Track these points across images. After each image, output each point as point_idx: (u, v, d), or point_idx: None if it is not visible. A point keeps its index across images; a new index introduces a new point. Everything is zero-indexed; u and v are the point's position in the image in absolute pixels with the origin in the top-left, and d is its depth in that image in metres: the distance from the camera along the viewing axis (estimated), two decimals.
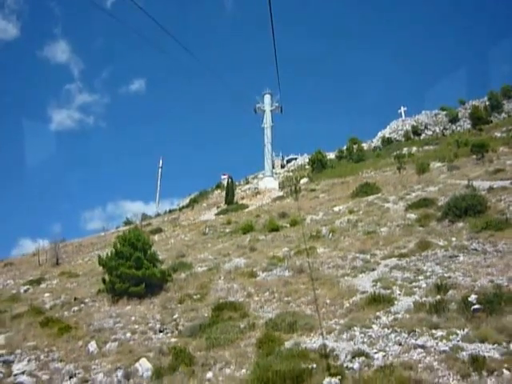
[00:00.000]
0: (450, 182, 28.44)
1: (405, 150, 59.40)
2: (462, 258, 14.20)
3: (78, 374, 11.12)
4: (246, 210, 38.21)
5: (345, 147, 70.47)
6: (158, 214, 67.05)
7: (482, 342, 8.90)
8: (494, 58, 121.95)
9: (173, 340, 12.14)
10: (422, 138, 72.09)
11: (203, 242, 26.86)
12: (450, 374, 8.00)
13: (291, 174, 69.05)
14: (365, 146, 75.54)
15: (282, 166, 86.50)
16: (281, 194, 45.17)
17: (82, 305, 16.95)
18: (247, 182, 75.71)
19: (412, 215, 21.04)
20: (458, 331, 9.49)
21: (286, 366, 8.88)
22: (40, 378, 11.28)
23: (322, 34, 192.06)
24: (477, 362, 8.09)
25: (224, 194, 55.58)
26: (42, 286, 23.44)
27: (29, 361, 12.24)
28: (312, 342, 10.24)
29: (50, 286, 23.08)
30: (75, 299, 17.84)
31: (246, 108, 69.45)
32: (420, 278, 13.16)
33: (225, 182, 72.76)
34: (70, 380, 10.89)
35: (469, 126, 69.85)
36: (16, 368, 11.98)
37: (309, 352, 9.55)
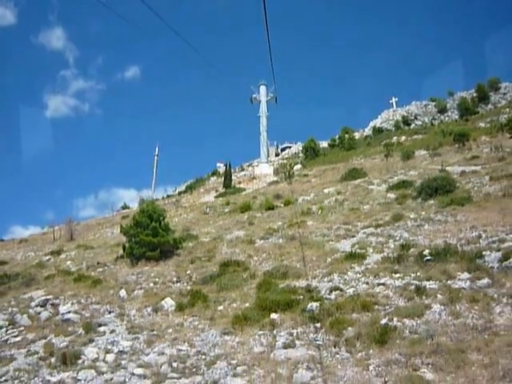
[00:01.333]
0: (430, 167, 31.30)
1: (394, 139, 62.17)
2: (426, 227, 17.11)
3: (115, 311, 13.98)
4: (243, 193, 41.03)
5: (337, 136, 73.19)
6: (156, 199, 69.78)
7: (428, 280, 11.82)
8: (488, 48, 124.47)
9: (188, 287, 15.03)
10: (411, 127, 75.00)
11: (205, 220, 29.63)
12: (399, 299, 10.93)
13: (285, 161, 71.91)
14: (357, 135, 78.49)
15: (277, 155, 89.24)
16: (275, 179, 48.01)
17: (105, 267, 19.78)
18: (242, 170, 78.44)
19: (392, 195, 23.94)
20: (412, 274, 12.42)
21: (280, 297, 11.77)
22: (83, 315, 14.13)
23: (315, 24, 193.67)
24: (419, 290, 11.02)
25: (220, 180, 58.43)
26: (62, 256, 26.14)
27: (72, 304, 15.08)
28: (300, 283, 13.15)
29: (70, 255, 25.78)
30: (98, 263, 20.65)
31: (242, 97, 72.04)
32: (390, 241, 16.08)
33: (221, 170, 75.54)
34: (109, 314, 13.76)
35: (456, 117, 72.86)
36: (62, 309, 14.82)
37: (297, 289, 12.47)
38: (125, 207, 65.53)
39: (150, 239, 19.02)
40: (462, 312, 9.83)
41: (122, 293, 15.40)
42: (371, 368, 8.43)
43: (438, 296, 10.72)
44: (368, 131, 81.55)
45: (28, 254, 29.14)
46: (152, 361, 10.46)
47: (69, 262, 23.25)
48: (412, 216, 18.95)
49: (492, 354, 8.00)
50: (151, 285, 15.95)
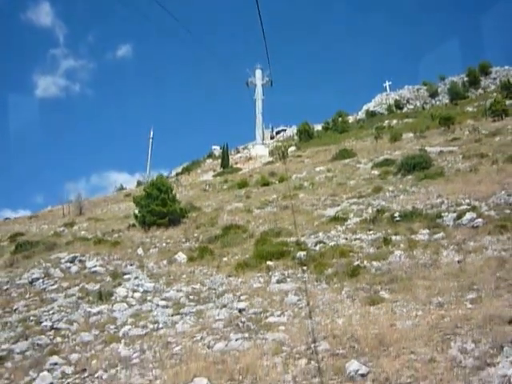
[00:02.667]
0: (414, 148, 33.86)
1: (386, 123, 64.63)
2: (401, 197, 19.75)
3: (135, 264, 16.61)
4: (240, 172, 43.58)
5: (331, 119, 75.50)
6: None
7: (395, 235, 14.49)
8: (485, 29, 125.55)
9: (196, 245, 17.67)
10: (403, 111, 77.34)
11: (205, 196, 32.20)
12: (370, 248, 13.61)
13: (280, 144, 74.27)
14: (351, 118, 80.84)
15: (272, 138, 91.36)
16: (271, 159, 50.52)
17: (120, 233, 22.37)
18: (238, 152, 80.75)
19: (375, 172, 26.56)
20: (383, 231, 15.08)
21: (274, 249, 14.43)
22: (108, 268, 16.74)
23: (310, 9, 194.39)
24: (386, 241, 13.69)
25: (216, 162, 60.87)
26: (75, 227, 28.63)
27: (96, 260, 17.68)
28: (291, 239, 15.81)
29: (82, 227, 28.29)
30: (112, 230, 23.23)
31: (237, 81, 74.05)
32: (369, 208, 18.71)
33: (216, 152, 77.60)
34: (130, 267, 16.38)
35: (447, 101, 75.17)
36: (88, 264, 17.43)
37: (289, 243, 15.14)
38: (121, 189, 67.99)
39: (159, 208, 21.58)
40: (416, 255, 12.51)
41: (140, 251, 18.03)
42: (343, 293, 11.10)
43: (401, 245, 13.40)
44: (361, 115, 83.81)
45: (41, 227, 31.55)
46: (172, 296, 13.13)
47: (83, 232, 25.77)
48: (390, 189, 21.57)
49: (432, 280, 10.68)
50: (164, 244, 18.58)
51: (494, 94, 61.08)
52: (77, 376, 9.95)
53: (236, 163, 54.10)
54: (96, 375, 9.81)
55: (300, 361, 8.49)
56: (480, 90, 75.06)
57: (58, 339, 11.92)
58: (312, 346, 8.81)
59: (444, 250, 12.62)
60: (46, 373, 10.02)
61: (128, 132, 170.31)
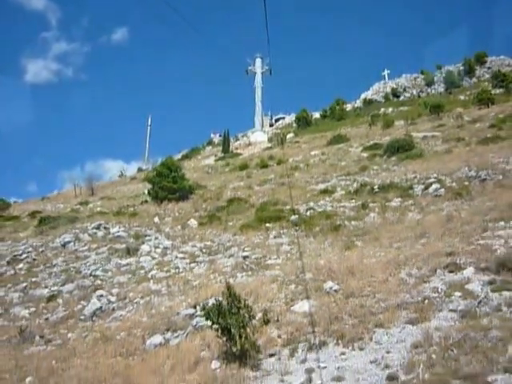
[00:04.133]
0: (403, 133, 36.65)
1: (381, 111, 67.21)
2: (383, 174, 22.59)
3: (153, 229, 19.51)
4: (240, 157, 46.31)
5: (328, 107, 78.04)
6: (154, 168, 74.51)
7: (372, 202, 17.37)
8: (492, 18, 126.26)
9: (205, 214, 20.58)
10: (400, 99, 79.86)
11: (209, 177, 35.05)
12: (351, 212, 16.51)
13: (279, 131, 76.87)
14: (349, 106, 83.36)
15: (271, 125, 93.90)
16: (269, 145, 53.27)
17: (135, 207, 25.24)
18: (237, 139, 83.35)
19: (364, 154, 29.37)
20: (363, 200, 17.95)
21: (272, 214, 17.33)
22: (130, 233, 19.62)
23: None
24: (364, 206, 16.59)
25: (216, 149, 63.50)
26: (90, 205, 31.40)
27: (119, 227, 20.55)
28: (286, 208, 18.71)
29: (97, 204, 31.06)
30: (128, 205, 26.10)
31: (236, 69, 76.40)
32: (354, 183, 21.56)
33: (215, 140, 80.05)
34: (149, 231, 19.28)
35: (442, 90, 77.63)
36: (112, 230, 20.31)
37: (284, 210, 18.02)
38: (121, 175, 70.19)
39: (170, 185, 24.45)
40: (387, 216, 15.42)
41: (156, 219, 20.94)
42: (326, 243, 14.05)
43: (376, 209, 16.31)
44: (359, 103, 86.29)
45: (57, 206, 34.26)
46: (188, 250, 16.07)
47: (99, 208, 28.58)
48: (375, 168, 24.41)
49: (396, 232, 13.58)
50: (176, 214, 21.50)
51: (486, 84, 63.65)
52: (119, 302, 12.91)
53: (236, 149, 56.80)
54: (134, 301, 12.77)
55: (290, 286, 11.42)
56: (474, 79, 77.40)
57: (98, 282, 14.89)
58: (300, 275, 11.70)
59: (409, 212, 15.52)
60: (95, 300, 12.99)
61: (123, 119, 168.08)
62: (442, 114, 44.83)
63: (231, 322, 8.63)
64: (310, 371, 8.02)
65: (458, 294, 9.40)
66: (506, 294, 9.05)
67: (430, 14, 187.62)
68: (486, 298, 9.12)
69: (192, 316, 10.98)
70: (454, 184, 17.57)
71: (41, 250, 19.69)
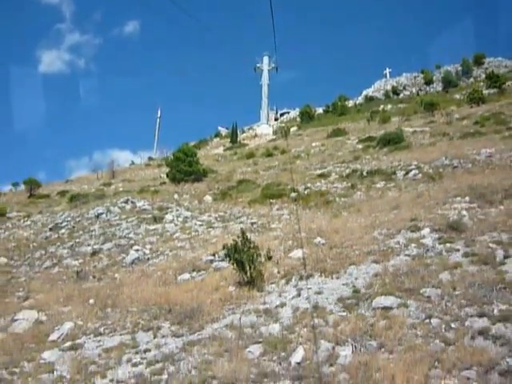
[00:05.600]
0: (395, 128, 39.83)
1: (381, 107, 70.30)
2: (373, 162, 25.81)
3: (174, 203, 22.83)
4: (247, 147, 49.67)
5: (331, 103, 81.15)
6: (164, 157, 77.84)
7: (360, 184, 20.65)
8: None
9: (218, 192, 23.91)
10: (400, 97, 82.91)
11: (219, 164, 38.38)
12: (341, 191, 19.80)
13: (283, 125, 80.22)
14: (351, 102, 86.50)
15: (276, 119, 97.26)
16: (274, 137, 56.61)
17: (155, 187, 28.58)
18: (243, 132, 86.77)
19: (359, 146, 32.61)
20: (353, 182, 21.23)
21: (275, 192, 20.63)
22: (153, 206, 22.94)
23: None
24: (353, 186, 19.88)
25: (223, 141, 66.85)
26: (112, 186, 34.78)
27: (143, 202, 23.88)
28: (287, 188, 22.02)
29: (119, 186, 34.44)
30: (148, 186, 29.43)
31: (243, 65, 79.55)
32: (347, 169, 24.82)
33: (223, 132, 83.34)
34: (171, 205, 22.59)
35: (440, 89, 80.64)
36: (138, 204, 23.63)
37: (285, 189, 21.32)
38: (132, 163, 73.62)
39: (187, 168, 27.79)
40: (370, 194, 18.71)
41: (175, 196, 24.30)
42: (319, 213, 17.33)
43: (362, 189, 19.60)
44: (361, 99, 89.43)
45: (82, 186, 37.70)
46: (205, 219, 19.41)
47: (121, 188, 31.94)
48: (367, 157, 27.66)
49: (376, 205, 16.84)
50: (193, 192, 24.84)
51: (481, 84, 66.60)
52: (153, 254, 16.28)
53: (243, 140, 60.18)
54: (164, 253, 16.13)
55: (288, 241, 14.75)
56: (472, 79, 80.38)
57: (132, 241, 18.23)
58: (296, 234, 15.00)
59: (389, 191, 18.80)
60: (133, 252, 16.36)
61: (131, 110, 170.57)
62: (435, 111, 47.98)
63: (244, 257, 11.96)
64: (299, 290, 11.37)
65: (413, 245, 12.69)
66: (448, 245, 12.31)
67: (434, 13, 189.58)
68: (433, 248, 12.42)
69: (212, 261, 14.35)
70: (430, 170, 20.80)
71: (77, 219, 23.09)
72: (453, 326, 8.84)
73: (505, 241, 11.75)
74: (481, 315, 8.90)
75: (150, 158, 70.98)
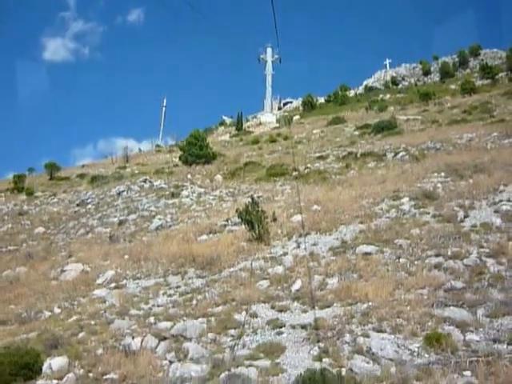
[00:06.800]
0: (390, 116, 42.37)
1: (380, 97, 72.70)
2: (367, 146, 28.45)
3: (188, 182, 25.53)
4: (252, 134, 52.27)
5: (332, 93, 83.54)
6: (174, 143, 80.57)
7: (354, 164, 23.31)
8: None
9: (227, 172, 26.62)
10: (398, 87, 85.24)
11: (226, 149, 40.95)
12: (337, 170, 22.49)
13: (286, 113, 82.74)
14: (352, 92, 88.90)
15: (279, 108, 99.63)
16: (277, 125, 59.19)
17: (170, 169, 31.29)
18: (247, 121, 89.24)
19: (356, 132, 35.22)
20: (348, 162, 23.90)
21: (279, 171, 23.33)
22: (169, 185, 25.62)
23: None
24: (347, 166, 22.56)
25: (228, 130, 69.41)
26: (128, 170, 37.37)
27: (160, 181, 26.56)
28: (289, 168, 24.71)
29: (133, 169, 37.02)
30: (162, 168, 32.13)
31: (246, 56, 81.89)
32: (344, 152, 27.46)
33: (227, 121, 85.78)
34: (185, 183, 25.28)
35: (438, 79, 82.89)
36: (155, 183, 26.32)
37: (288, 169, 24.01)
38: (139, 151, 76.25)
39: (198, 152, 30.49)
40: (362, 172, 21.38)
41: (189, 176, 27.01)
42: (316, 188, 20.00)
43: (355, 168, 22.26)
44: (361, 89, 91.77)
45: (99, 170, 40.33)
46: (216, 194, 22.14)
47: (137, 171, 34.61)
48: (362, 142, 30.30)
49: (366, 181, 19.52)
50: (204, 173, 27.55)
51: (475, 75, 68.95)
52: (174, 222, 19.01)
53: (248, 127, 62.80)
54: (184, 221, 18.85)
55: (290, 209, 17.43)
56: (468, 70, 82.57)
57: (154, 213, 20.95)
58: (296, 204, 17.70)
59: (379, 170, 21.46)
60: (156, 220, 19.10)
61: (135, 98, 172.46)
62: (429, 101, 50.44)
63: (253, 217, 14.67)
64: (298, 243, 14.13)
65: (393, 210, 15.40)
66: (421, 209, 15.03)
67: (436, 4, 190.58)
68: (409, 211, 15.14)
69: (225, 225, 17.10)
70: (416, 152, 23.43)
71: (101, 197, 25.85)
72: (416, 263, 11.59)
73: (467, 205, 14.49)
74: (437, 255, 11.65)
75: (158, 146, 73.82)
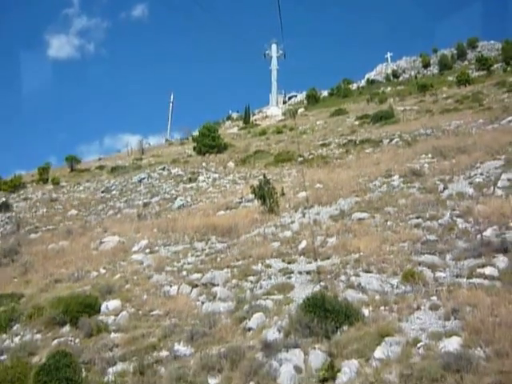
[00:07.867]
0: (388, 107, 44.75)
1: (381, 90, 74.89)
2: (365, 134, 30.89)
3: (203, 169, 28.10)
4: (259, 126, 54.82)
5: (335, 86, 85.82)
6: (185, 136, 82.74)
7: (353, 150, 25.83)
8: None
9: (238, 160, 29.20)
10: (399, 80, 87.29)
11: (235, 140, 43.48)
12: (338, 155, 25.03)
13: (291, 107, 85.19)
14: (354, 85, 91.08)
15: (284, 102, 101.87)
16: (283, 118, 61.72)
17: (184, 159, 33.88)
18: (254, 114, 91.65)
19: (356, 122, 37.71)
20: (346, 149, 26.41)
21: (285, 157, 25.89)
22: (186, 172, 28.19)
23: None
24: (347, 151, 25.10)
25: (235, 123, 71.97)
26: (144, 161, 39.84)
27: (177, 169, 29.14)
28: (296, 155, 27.25)
29: (150, 160, 39.50)
30: (178, 158, 34.72)
31: (252, 52, 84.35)
32: (344, 140, 29.94)
33: (234, 116, 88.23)
34: (200, 170, 27.85)
35: (437, 71, 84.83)
36: (173, 171, 28.92)
37: (294, 155, 26.57)
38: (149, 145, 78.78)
39: (210, 142, 33.09)
40: (360, 156, 23.89)
41: (203, 164, 29.60)
42: (319, 171, 22.53)
43: (354, 153, 24.79)
44: (363, 82, 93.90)
45: (116, 161, 42.88)
46: (230, 178, 24.71)
47: (153, 162, 37.18)
48: (361, 131, 32.79)
49: (361, 163, 22.04)
50: (217, 161, 30.15)
51: (472, 66, 70.97)
52: (193, 201, 21.61)
53: (255, 120, 65.42)
54: (203, 201, 21.45)
55: (296, 188, 19.97)
56: (466, 62, 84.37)
57: (174, 195, 23.55)
58: (301, 184, 20.25)
59: (375, 154, 23.96)
60: (178, 200, 21.69)
61: (141, 94, 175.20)
62: (427, 92, 52.66)
63: (265, 192, 17.25)
64: (304, 213, 16.67)
65: (385, 185, 17.89)
66: (408, 184, 17.49)
67: None
68: (398, 186, 17.64)
69: (240, 203, 19.69)
70: (409, 138, 25.91)
71: (124, 184, 28.48)
72: (400, 224, 14.11)
73: (447, 179, 16.97)
74: (418, 217, 14.15)
75: (167, 140, 76.43)
